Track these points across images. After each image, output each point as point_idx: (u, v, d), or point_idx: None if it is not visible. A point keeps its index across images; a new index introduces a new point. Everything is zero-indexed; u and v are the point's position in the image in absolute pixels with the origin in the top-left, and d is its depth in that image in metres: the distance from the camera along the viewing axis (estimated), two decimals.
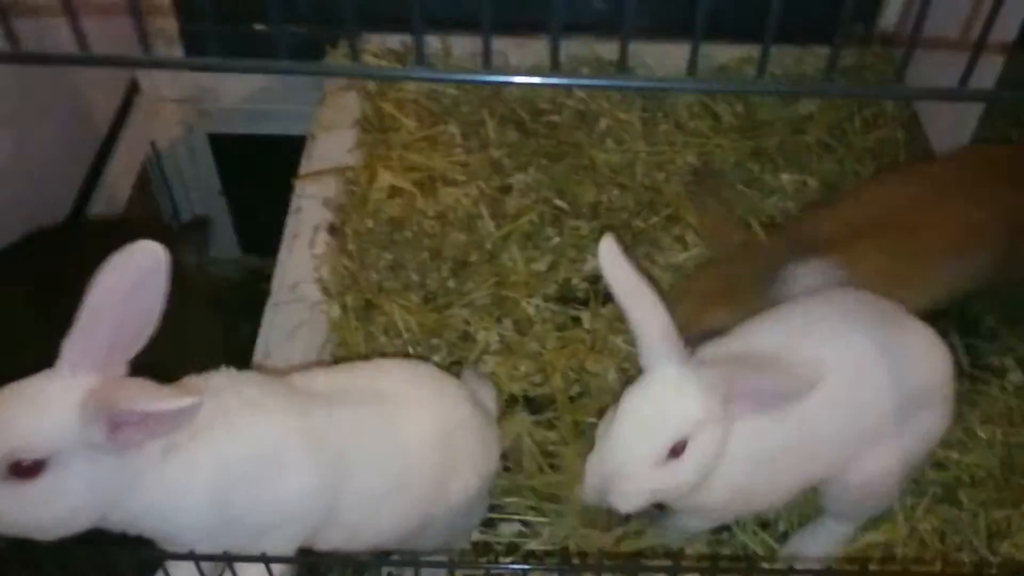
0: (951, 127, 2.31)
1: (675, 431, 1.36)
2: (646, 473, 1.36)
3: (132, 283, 1.19)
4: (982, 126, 2.29)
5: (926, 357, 1.59)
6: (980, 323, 2.14)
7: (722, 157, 2.45)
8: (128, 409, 1.15)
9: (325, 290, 2.04)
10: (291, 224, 2.18)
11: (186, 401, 1.15)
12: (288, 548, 1.36)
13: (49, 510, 1.19)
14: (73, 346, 1.19)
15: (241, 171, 3.00)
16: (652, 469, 1.36)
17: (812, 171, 2.41)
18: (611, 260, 1.42)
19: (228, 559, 1.24)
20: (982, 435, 1.90)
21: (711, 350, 1.53)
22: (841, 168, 2.41)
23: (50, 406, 1.18)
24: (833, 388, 1.43)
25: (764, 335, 1.57)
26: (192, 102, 2.79)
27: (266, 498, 1.35)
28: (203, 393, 1.21)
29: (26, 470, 1.17)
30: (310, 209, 2.20)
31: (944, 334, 1.99)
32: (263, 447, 1.35)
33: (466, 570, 1.60)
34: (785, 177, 2.41)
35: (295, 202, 2.23)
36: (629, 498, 1.38)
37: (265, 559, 1.23)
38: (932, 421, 1.58)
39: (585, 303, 2.12)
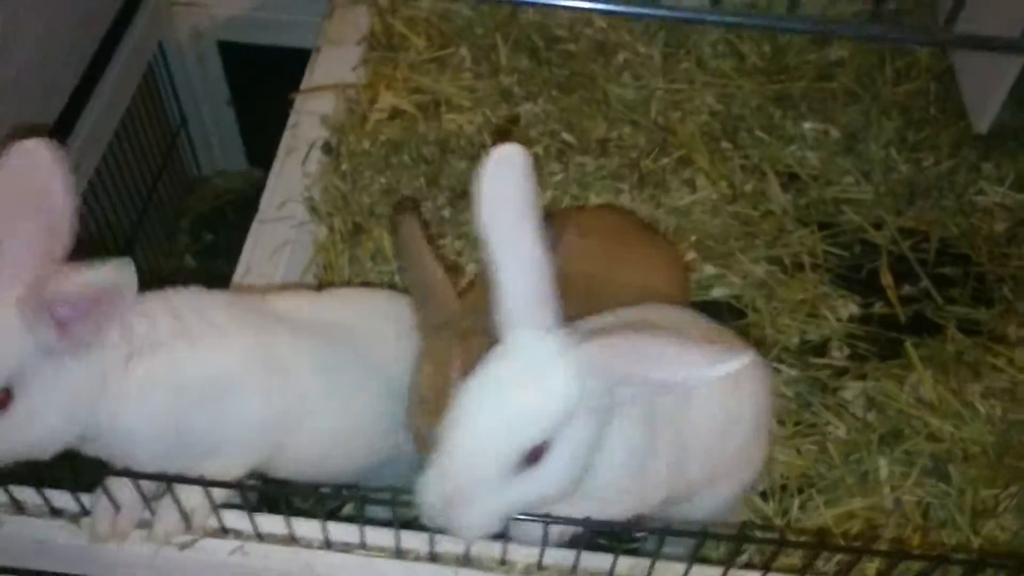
0: (987, 83, 2.17)
1: (529, 434, 1.06)
2: (494, 492, 1.07)
3: (27, 183, 1.14)
4: (1020, 81, 2.15)
5: (761, 385, 1.47)
6: (995, 293, 2.05)
7: (743, 100, 2.33)
8: (62, 290, 1.09)
9: (314, 210, 1.97)
10: (287, 140, 2.11)
11: (116, 271, 1.09)
12: (236, 472, 1.33)
13: (31, 432, 1.16)
14: None
15: (250, 82, 2.92)
16: (502, 485, 1.07)
17: (836, 121, 2.29)
18: (499, 176, 1.09)
19: (169, 479, 1.21)
20: (981, 409, 1.82)
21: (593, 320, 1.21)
22: (866, 119, 2.29)
23: None
24: (710, 397, 1.32)
25: None
26: (201, 6, 2.70)
27: (221, 421, 1.32)
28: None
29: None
30: (307, 125, 2.12)
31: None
32: (223, 371, 1.32)
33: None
34: (807, 125, 2.30)
35: (293, 117, 2.15)
36: (474, 526, 1.09)
37: (204, 483, 1.20)
38: (758, 453, 1.49)
39: None
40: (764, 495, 1.75)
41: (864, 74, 2.35)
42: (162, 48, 2.77)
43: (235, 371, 1.33)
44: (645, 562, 1.29)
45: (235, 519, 1.30)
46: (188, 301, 1.34)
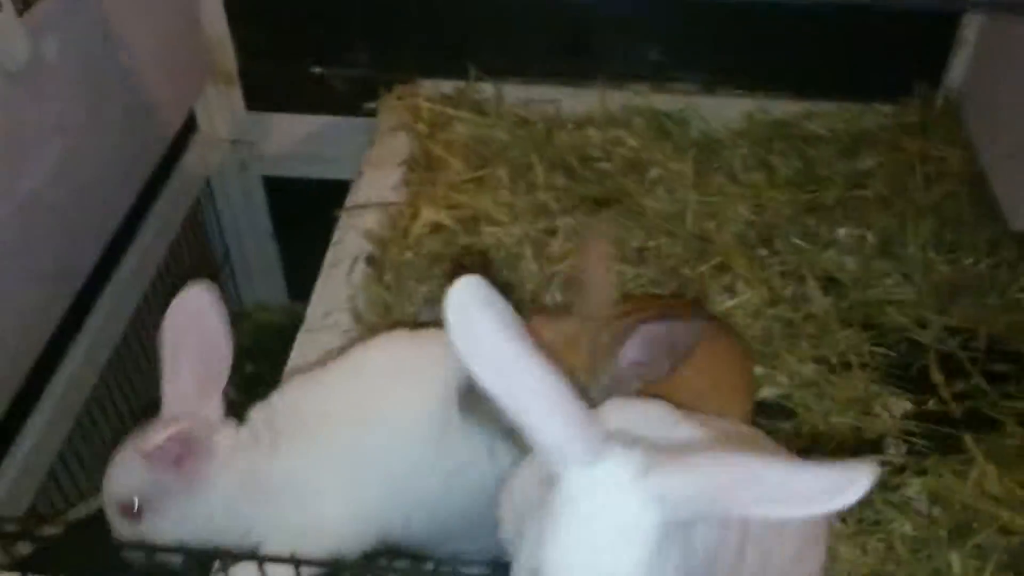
0: (1015, 187, 2.20)
1: None
2: None
3: (190, 327, 1.34)
4: None
5: None
6: None
7: (776, 209, 2.37)
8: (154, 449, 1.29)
9: (359, 319, 1.99)
10: (331, 255, 2.16)
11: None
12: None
13: (165, 536, 1.33)
14: (167, 396, 1.35)
15: (293, 215, 3.01)
16: None
17: (871, 226, 2.32)
18: (467, 317, 0.94)
19: (223, 556, 1.18)
20: None
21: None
22: (901, 224, 2.31)
23: (129, 458, 1.34)
24: None
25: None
26: (248, 143, 2.82)
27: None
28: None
29: (133, 512, 1.34)
30: (351, 241, 2.18)
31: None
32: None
33: None
34: (842, 231, 2.32)
35: (337, 234, 2.22)
36: None
37: (259, 558, 1.16)
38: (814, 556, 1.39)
39: None
40: None
41: (896, 180, 2.40)
42: (208, 184, 2.88)
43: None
44: None
45: None
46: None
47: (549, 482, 0.95)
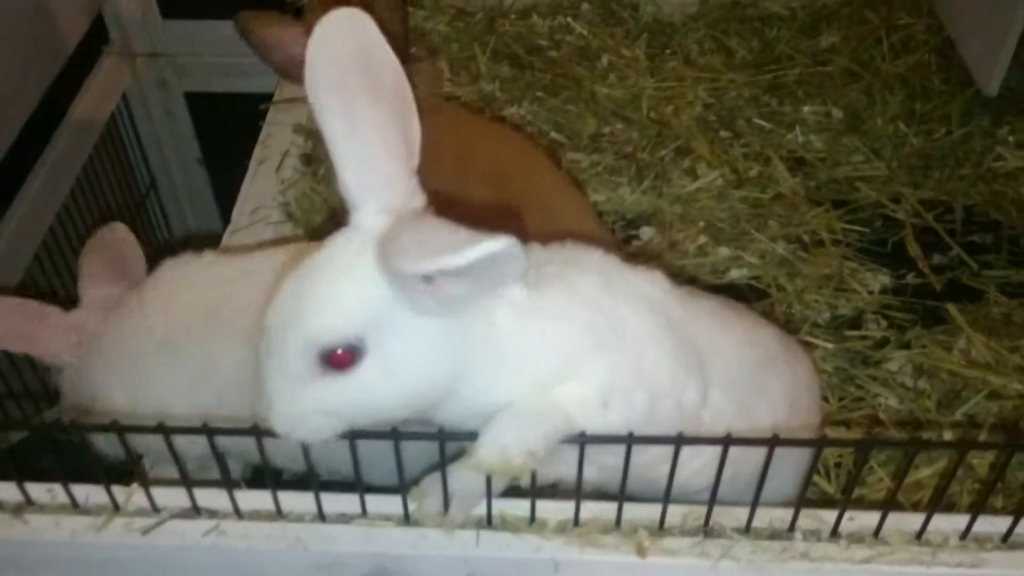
0: (990, 45, 2.07)
1: (318, 331, 0.89)
2: (292, 390, 0.92)
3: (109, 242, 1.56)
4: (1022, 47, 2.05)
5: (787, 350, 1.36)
6: None
7: (736, 91, 2.23)
8: None
9: (290, 215, 1.82)
10: (258, 152, 1.97)
11: None
12: None
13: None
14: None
15: (223, 135, 2.79)
16: (300, 384, 0.91)
17: (837, 102, 2.18)
18: (330, 40, 0.91)
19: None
20: None
21: None
22: (869, 97, 2.18)
23: None
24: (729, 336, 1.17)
25: None
26: (167, 56, 2.60)
27: None
28: None
29: None
30: (280, 136, 2.00)
31: None
32: None
33: None
34: (807, 109, 2.18)
35: (264, 130, 2.03)
36: (281, 423, 0.93)
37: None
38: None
39: None
40: (819, 473, 1.55)
41: (860, 55, 2.26)
42: (127, 104, 2.65)
43: None
44: (700, 509, 1.08)
45: (210, 497, 1.09)
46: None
47: None
